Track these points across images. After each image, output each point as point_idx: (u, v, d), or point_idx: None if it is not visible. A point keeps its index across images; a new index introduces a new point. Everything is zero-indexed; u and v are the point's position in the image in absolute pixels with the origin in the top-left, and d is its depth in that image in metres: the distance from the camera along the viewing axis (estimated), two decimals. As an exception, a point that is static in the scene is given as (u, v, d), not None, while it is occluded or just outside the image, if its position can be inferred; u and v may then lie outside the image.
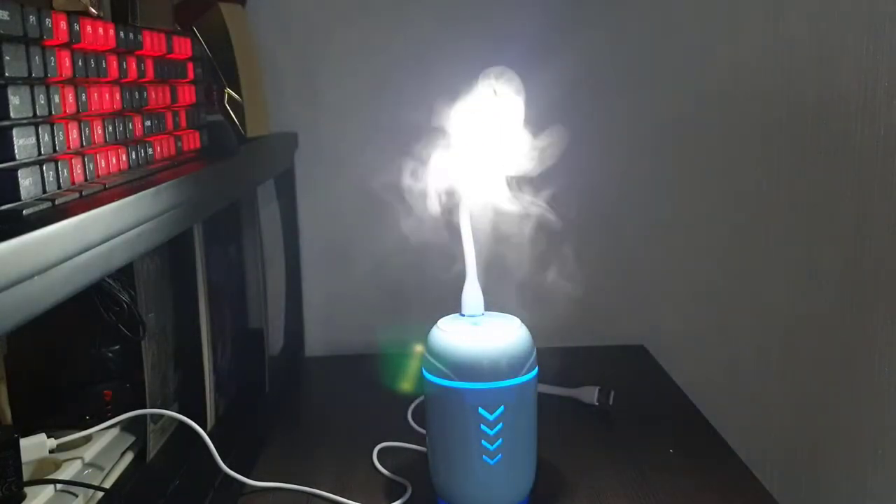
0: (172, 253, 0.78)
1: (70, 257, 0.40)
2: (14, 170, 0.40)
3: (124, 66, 0.56)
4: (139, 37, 0.59)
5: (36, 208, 0.41)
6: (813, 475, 1.07)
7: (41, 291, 0.37)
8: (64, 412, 0.71)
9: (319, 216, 1.11)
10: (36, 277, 0.37)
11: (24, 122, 0.41)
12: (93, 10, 0.53)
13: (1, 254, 0.34)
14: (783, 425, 1.11)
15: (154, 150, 0.60)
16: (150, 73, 0.61)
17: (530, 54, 1.06)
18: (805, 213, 1.05)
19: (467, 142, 0.71)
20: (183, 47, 0.70)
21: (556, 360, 0.91)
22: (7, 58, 0.39)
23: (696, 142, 1.12)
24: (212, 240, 0.83)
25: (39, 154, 0.43)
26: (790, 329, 1.09)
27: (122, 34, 0.55)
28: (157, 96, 0.63)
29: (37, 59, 0.43)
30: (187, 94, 0.70)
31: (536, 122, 0.73)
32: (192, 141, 0.70)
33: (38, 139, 0.42)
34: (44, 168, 0.43)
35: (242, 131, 0.88)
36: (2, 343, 0.64)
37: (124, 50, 0.56)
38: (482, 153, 0.71)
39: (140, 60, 0.59)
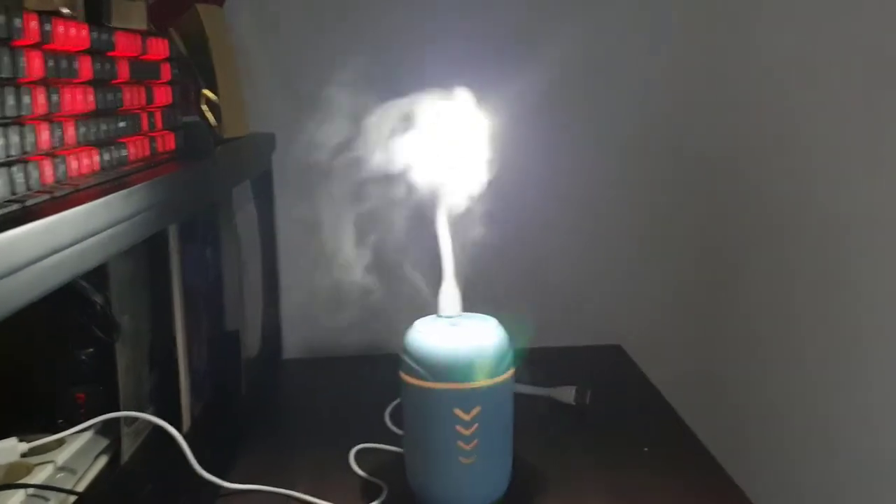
0: (147, 254, 0.78)
1: (40, 259, 0.40)
2: (-18, 171, 0.40)
3: (98, 67, 0.55)
4: (113, 38, 0.59)
5: (5, 210, 0.41)
6: (787, 475, 1.08)
7: (10, 293, 0.37)
8: (36, 415, 0.70)
9: (297, 218, 1.11)
10: (5, 279, 0.36)
11: (-7, 123, 0.41)
12: (65, 11, 0.53)
13: (-32, 256, 0.34)
14: (758, 425, 1.13)
15: (128, 152, 0.60)
16: (125, 74, 0.61)
17: (508, 56, 1.07)
18: (780, 214, 1.06)
19: (445, 144, 0.71)
20: (158, 48, 0.69)
21: (534, 359, 0.91)
22: (-25, 58, 0.39)
23: (672, 144, 1.13)
24: (188, 241, 0.83)
25: (9, 155, 0.42)
26: (766, 329, 1.11)
27: (95, 35, 0.55)
28: (131, 97, 0.62)
29: (6, 59, 0.42)
30: (163, 95, 0.70)
31: (513, 124, 0.73)
32: (168, 142, 0.70)
33: (6, 140, 0.42)
34: (13, 169, 0.42)
35: (219, 132, 0.88)
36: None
37: (98, 51, 0.56)
38: (459, 155, 0.71)
39: (114, 61, 0.59)
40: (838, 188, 0.96)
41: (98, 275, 0.68)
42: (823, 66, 0.98)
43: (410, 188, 0.73)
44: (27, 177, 0.43)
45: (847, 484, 0.97)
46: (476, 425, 0.68)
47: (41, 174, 0.45)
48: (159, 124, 0.69)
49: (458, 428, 0.68)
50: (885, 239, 0.88)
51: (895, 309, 0.88)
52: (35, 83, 0.46)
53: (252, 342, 1.03)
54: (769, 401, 1.11)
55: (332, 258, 1.11)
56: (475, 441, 0.68)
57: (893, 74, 0.86)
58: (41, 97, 0.46)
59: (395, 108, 0.76)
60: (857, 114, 0.93)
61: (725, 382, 1.16)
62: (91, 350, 0.72)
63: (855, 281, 0.95)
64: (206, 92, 0.89)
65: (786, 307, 1.07)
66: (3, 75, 0.42)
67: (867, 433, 0.94)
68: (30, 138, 0.45)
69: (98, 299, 0.67)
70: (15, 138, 0.43)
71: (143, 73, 0.65)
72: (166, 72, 0.71)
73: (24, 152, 0.44)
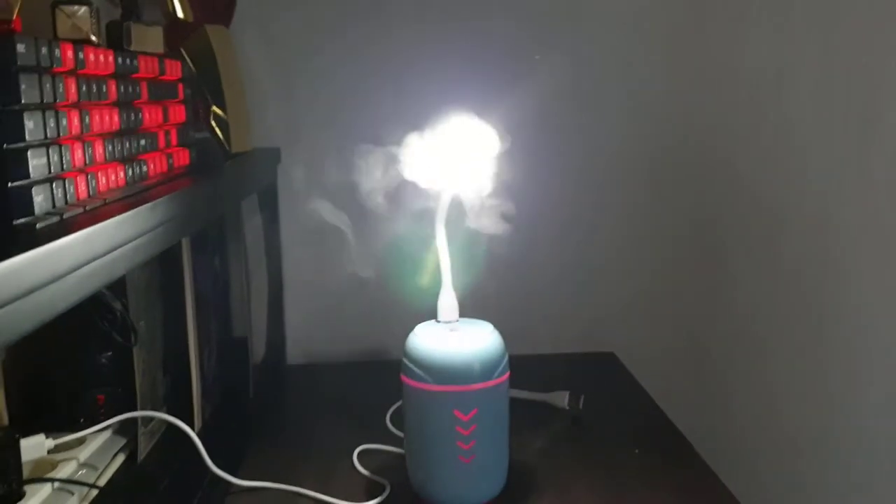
0: (162, 264, 0.82)
1: (79, 267, 0.44)
2: (28, 187, 0.44)
3: (122, 89, 0.60)
4: (135, 61, 0.63)
5: (47, 222, 0.45)
6: (780, 479, 1.10)
7: (55, 297, 0.41)
8: (59, 415, 0.74)
9: (301, 229, 1.15)
10: (51, 285, 0.40)
11: (37, 143, 0.45)
12: (94, 38, 0.57)
13: (21, 264, 0.38)
14: (750, 430, 1.15)
15: (148, 168, 0.64)
16: (145, 95, 0.65)
17: (503, 73, 1.11)
18: (773, 219, 1.09)
19: (443, 155, 0.75)
20: (173, 69, 0.74)
21: (529, 366, 0.95)
22: (23, 86, 0.43)
23: (663, 151, 1.16)
24: (199, 251, 0.87)
25: (49, 172, 0.46)
26: (759, 336, 1.13)
27: (120, 59, 0.59)
28: (150, 116, 0.66)
29: (48, 86, 0.46)
30: (178, 114, 0.74)
31: (506, 135, 0.77)
32: (182, 157, 0.74)
33: (48, 159, 0.46)
34: (53, 185, 0.46)
35: (227, 147, 0.92)
36: (1, 349, 0.67)
37: (122, 74, 0.60)
38: (458, 166, 0.75)
39: (136, 83, 0.63)
40: (829, 191, 0.98)
41: (117, 283, 0.72)
42: (811, 69, 1.01)
43: (410, 198, 0.77)
44: (65, 192, 0.48)
45: (843, 488, 0.99)
46: (474, 426, 0.72)
47: (76, 189, 0.49)
48: (174, 141, 0.73)
49: (458, 428, 0.72)
50: (877, 239, 0.91)
51: (891, 309, 0.90)
52: (70, 106, 0.50)
53: (258, 348, 1.07)
54: (762, 406, 1.14)
55: (334, 267, 1.15)
56: (473, 441, 0.72)
57: (879, 76, 0.90)
58: (75, 119, 0.51)
59: (395, 121, 0.79)
60: (847, 115, 0.96)
61: (716, 389, 1.19)
62: (110, 354, 0.76)
63: (849, 282, 0.97)
64: (215, 109, 0.93)
65: (780, 313, 1.09)
66: (46, 100, 0.46)
67: (864, 438, 0.96)
68: (66, 157, 0.49)
69: (117, 306, 0.71)
70: (55, 157, 0.47)
71: (161, 93, 0.70)
72: (181, 91, 0.75)
73: (62, 170, 0.48)
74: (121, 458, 0.74)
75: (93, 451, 0.71)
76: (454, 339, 0.73)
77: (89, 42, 0.56)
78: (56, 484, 0.64)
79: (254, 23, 1.10)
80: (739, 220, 1.15)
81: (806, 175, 1.03)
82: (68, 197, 0.48)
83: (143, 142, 0.64)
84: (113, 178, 0.57)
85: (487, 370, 0.72)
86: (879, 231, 0.92)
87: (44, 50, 0.46)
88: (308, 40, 1.12)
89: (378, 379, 0.96)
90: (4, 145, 0.43)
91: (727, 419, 1.17)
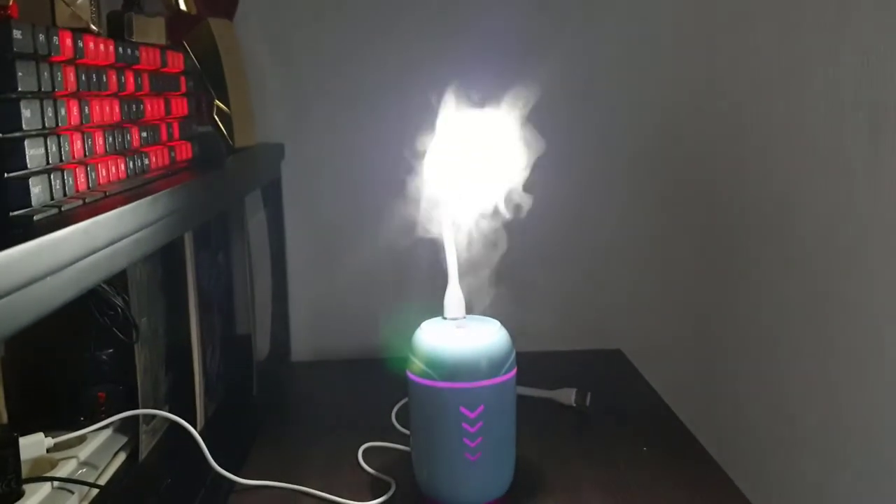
0: (164, 260, 0.81)
1: (77, 260, 0.43)
2: (26, 178, 0.43)
3: (123, 80, 0.59)
4: (136, 52, 0.62)
5: (45, 214, 0.44)
6: (787, 476, 1.10)
7: (53, 291, 0.40)
8: (59, 413, 0.73)
9: (305, 225, 1.14)
10: (48, 278, 0.39)
11: (34, 133, 0.44)
12: (93, 27, 0.56)
13: (17, 256, 0.37)
14: (758, 426, 1.15)
15: (150, 161, 0.63)
16: (146, 87, 0.64)
17: (507, 67, 1.10)
18: (779, 216, 1.08)
19: (450, 151, 0.74)
20: (176, 61, 0.72)
21: (536, 363, 0.94)
22: (20, 74, 0.42)
23: (670, 148, 1.15)
24: (202, 247, 0.86)
25: (48, 163, 0.45)
26: (765, 332, 1.13)
27: (120, 49, 0.58)
28: (152, 108, 0.65)
29: (45, 74, 0.45)
30: (180, 107, 0.73)
31: (516, 131, 0.76)
32: (185, 151, 0.73)
33: (46, 149, 0.45)
34: (51, 177, 0.45)
35: (231, 142, 0.91)
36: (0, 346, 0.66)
37: (123, 65, 0.59)
38: (464, 162, 0.74)
39: (137, 74, 0.62)
40: (839, 186, 0.98)
41: (118, 279, 0.71)
42: (820, 65, 1.00)
43: (416, 194, 0.76)
44: (63, 183, 0.46)
45: (848, 485, 0.99)
46: (481, 423, 0.71)
47: (75, 181, 0.48)
48: (177, 134, 0.72)
49: (464, 425, 0.71)
50: (886, 234, 0.90)
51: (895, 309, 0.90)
52: (69, 96, 0.49)
53: (262, 345, 1.06)
54: (769, 402, 1.13)
55: (340, 263, 1.14)
56: (480, 438, 0.71)
57: (888, 72, 0.89)
58: (74, 109, 0.50)
59: (401, 115, 0.78)
60: (856, 112, 0.95)
61: (724, 385, 1.18)
62: (111, 351, 0.75)
63: (858, 277, 0.97)
64: (218, 103, 0.92)
65: (785, 309, 1.09)
66: (44, 89, 0.45)
67: (869, 434, 0.96)
68: (65, 147, 0.48)
69: (118, 302, 0.70)
70: (53, 148, 0.46)
71: (163, 85, 0.68)
72: (183, 84, 0.74)
73: (61, 161, 0.47)
74: (122, 457, 0.73)
75: (93, 450, 0.70)
76: (461, 335, 0.72)
77: (89, 31, 0.55)
78: (56, 483, 0.63)
79: (257, 16, 1.09)
80: (747, 217, 1.14)
81: (815, 171, 1.02)
82: (67, 189, 0.47)
83: (144, 134, 0.63)
84: (113, 170, 0.55)
85: (494, 367, 0.71)
86: (888, 226, 0.91)
87: (41, 37, 0.45)
88: (312, 34, 1.11)
89: (383, 376, 0.95)
90: (0, 134, 0.42)
91: (735, 416, 1.16)
